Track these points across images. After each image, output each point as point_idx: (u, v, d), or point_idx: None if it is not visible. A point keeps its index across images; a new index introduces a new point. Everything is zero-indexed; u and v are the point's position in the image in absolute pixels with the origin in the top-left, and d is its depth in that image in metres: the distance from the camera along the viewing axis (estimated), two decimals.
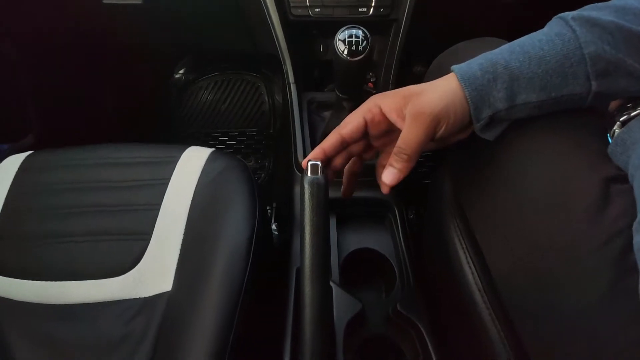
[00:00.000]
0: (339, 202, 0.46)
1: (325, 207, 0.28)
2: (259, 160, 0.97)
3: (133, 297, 0.34)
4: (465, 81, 0.26)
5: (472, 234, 0.32)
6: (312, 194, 0.27)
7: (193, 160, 0.43)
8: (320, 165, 0.28)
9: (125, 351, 0.31)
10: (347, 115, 0.44)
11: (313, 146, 0.49)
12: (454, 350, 0.33)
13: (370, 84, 0.57)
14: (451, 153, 0.36)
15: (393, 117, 0.28)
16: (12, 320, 0.34)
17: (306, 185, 0.27)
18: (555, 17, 0.27)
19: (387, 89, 0.54)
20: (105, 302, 0.34)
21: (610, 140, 0.25)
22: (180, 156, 0.44)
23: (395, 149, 0.28)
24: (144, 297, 0.34)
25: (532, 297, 0.25)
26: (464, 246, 0.33)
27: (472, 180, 0.32)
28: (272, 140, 1.03)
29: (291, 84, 0.53)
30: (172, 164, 0.43)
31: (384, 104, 0.29)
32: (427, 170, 0.83)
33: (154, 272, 0.35)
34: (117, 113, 0.92)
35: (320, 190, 0.28)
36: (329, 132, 0.47)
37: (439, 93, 0.27)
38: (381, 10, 0.51)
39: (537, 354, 0.25)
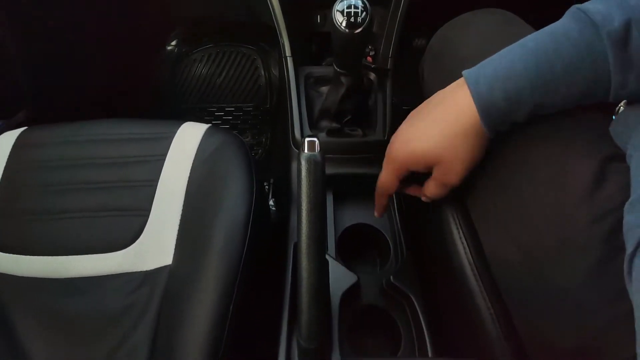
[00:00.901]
0: (336, 179, 0.46)
1: (322, 183, 0.28)
2: (255, 136, 0.96)
3: (135, 270, 0.35)
4: (488, 114, 0.26)
5: (466, 210, 0.33)
6: (309, 171, 0.28)
7: (189, 137, 0.43)
8: (316, 141, 0.28)
9: (129, 322, 0.32)
10: (345, 91, 0.43)
11: (310, 122, 0.49)
12: (444, 322, 0.34)
13: (369, 58, 0.56)
14: None
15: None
16: (15, 295, 0.35)
17: (303, 162, 0.28)
18: (584, 13, 0.24)
19: (386, 64, 0.53)
20: (107, 275, 0.35)
21: (613, 118, 0.25)
22: (175, 132, 0.43)
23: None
24: (146, 271, 0.35)
25: (521, 272, 0.26)
26: (457, 222, 0.34)
27: None
28: (268, 115, 1.01)
29: (288, 58, 0.52)
30: (167, 140, 0.43)
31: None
32: None
33: (154, 247, 0.36)
34: (109, 88, 0.90)
35: (317, 167, 0.28)
36: (327, 108, 0.47)
37: (432, 142, 0.28)
38: None
39: (524, 328, 0.26)
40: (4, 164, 0.42)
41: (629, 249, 0.19)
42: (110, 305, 0.33)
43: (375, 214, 0.38)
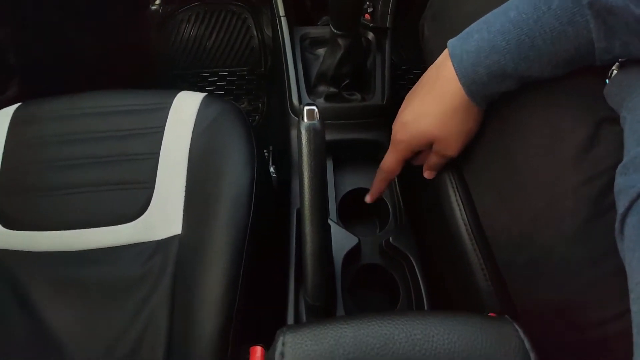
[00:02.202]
0: (336, 144, 0.46)
1: (322, 151, 0.29)
2: (252, 102, 0.94)
3: (147, 240, 0.37)
4: (472, 90, 0.27)
5: (462, 175, 0.34)
6: (309, 140, 0.28)
7: (186, 107, 0.42)
8: (316, 110, 0.28)
9: (147, 287, 0.34)
10: (343, 54, 0.42)
11: (308, 88, 0.48)
12: (439, 278, 0.37)
13: (367, 15, 0.53)
14: None
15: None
16: (32, 270, 0.37)
17: (303, 131, 0.28)
18: None
19: (385, 22, 0.51)
20: (121, 245, 0.37)
21: (607, 82, 0.25)
22: (171, 102, 0.43)
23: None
24: (157, 240, 0.37)
25: (512, 231, 0.27)
26: (454, 185, 0.35)
27: None
28: (264, 79, 0.98)
29: (281, 18, 0.49)
30: (164, 110, 0.42)
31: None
32: None
33: (163, 218, 0.37)
34: (97, 56, 0.86)
35: (317, 135, 0.28)
36: (324, 72, 0.46)
37: (428, 121, 0.29)
38: None
39: (512, 283, 0.28)
40: (3, 142, 0.42)
41: (621, 209, 0.20)
42: (127, 272, 0.35)
43: (368, 198, 0.39)
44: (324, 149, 0.29)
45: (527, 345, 0.15)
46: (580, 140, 0.24)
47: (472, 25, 0.27)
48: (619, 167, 0.21)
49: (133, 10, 0.96)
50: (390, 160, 0.35)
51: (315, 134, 0.28)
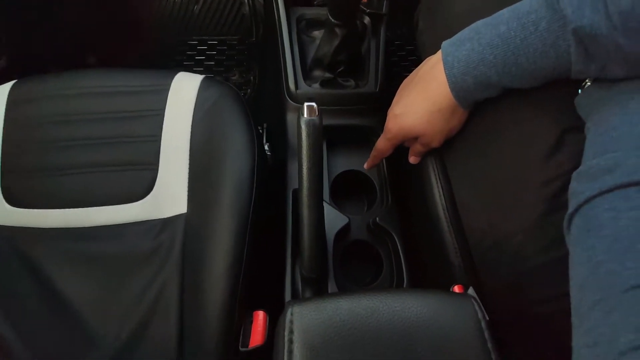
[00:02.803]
0: (330, 129, 0.49)
1: (320, 144, 0.32)
2: (243, 74, 0.93)
3: (154, 218, 0.40)
4: (460, 96, 0.30)
5: (443, 163, 0.38)
6: (308, 134, 0.31)
7: (185, 90, 0.44)
8: (315, 106, 0.31)
9: (157, 261, 0.38)
10: (339, 42, 0.43)
11: (304, 72, 0.49)
12: (418, 253, 0.42)
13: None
14: None
15: None
16: (45, 245, 0.39)
17: (303, 126, 0.30)
18: (554, 1, 0.25)
19: (381, 7, 0.51)
20: (130, 222, 0.39)
21: (579, 92, 0.29)
22: (170, 84, 0.44)
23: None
24: (164, 218, 0.40)
25: (482, 218, 0.32)
26: (436, 172, 0.39)
27: None
28: (255, 49, 0.96)
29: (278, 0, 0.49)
30: (163, 92, 0.43)
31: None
32: None
33: (168, 197, 0.40)
34: (83, 24, 0.82)
35: (316, 130, 0.31)
36: (320, 59, 0.47)
37: (416, 118, 0.32)
38: None
39: (479, 261, 0.33)
40: (2, 121, 0.43)
41: (570, 209, 0.24)
42: (138, 247, 0.38)
43: (366, 165, 0.45)
44: (321, 142, 0.32)
45: (480, 315, 0.20)
46: (547, 145, 0.28)
47: (465, 31, 0.30)
48: (575, 173, 0.25)
49: None
50: (383, 143, 0.39)
51: (315, 129, 0.31)
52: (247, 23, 0.97)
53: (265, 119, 0.74)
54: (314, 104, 0.31)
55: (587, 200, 0.23)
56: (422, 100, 0.32)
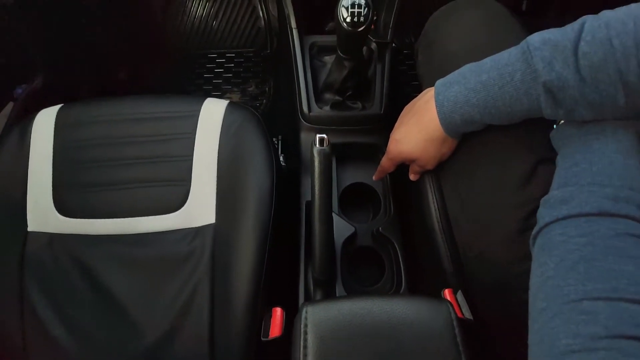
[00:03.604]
0: (339, 146, 0.55)
1: (330, 169, 0.38)
2: (259, 85, 0.99)
3: (188, 226, 0.46)
4: (449, 129, 0.35)
5: (439, 180, 0.43)
6: (320, 162, 0.36)
7: (212, 114, 0.50)
8: (326, 137, 0.37)
9: (192, 263, 0.45)
10: (347, 73, 0.49)
11: (316, 94, 0.55)
12: (416, 261, 0.47)
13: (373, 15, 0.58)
14: None
15: None
16: (95, 249, 0.46)
17: (316, 155, 0.36)
18: (531, 54, 0.29)
19: (386, 36, 0.56)
20: (167, 230, 0.46)
21: (555, 127, 0.33)
22: (200, 110, 0.50)
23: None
24: (196, 227, 0.46)
25: (469, 232, 0.37)
26: (432, 189, 0.44)
27: None
28: (269, 62, 1.02)
29: (293, 30, 0.55)
30: (194, 117, 0.50)
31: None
32: None
33: (199, 209, 0.47)
34: (111, 41, 0.89)
35: (327, 157, 0.37)
36: (330, 84, 0.53)
37: (412, 145, 0.38)
38: None
39: (466, 267, 0.38)
40: (52, 143, 0.49)
41: (535, 230, 0.29)
42: (174, 252, 0.45)
43: (374, 177, 0.52)
44: (330, 167, 0.38)
45: (453, 316, 0.26)
46: (522, 173, 0.33)
47: (454, 75, 0.35)
48: (542, 199, 0.30)
49: None
50: (386, 162, 0.46)
51: (325, 157, 0.36)
52: (262, 36, 1.03)
53: (279, 130, 0.80)
54: (324, 135, 0.36)
55: (546, 225, 0.28)
56: (418, 131, 0.38)
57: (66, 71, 0.79)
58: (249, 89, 0.99)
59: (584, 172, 0.28)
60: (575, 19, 0.30)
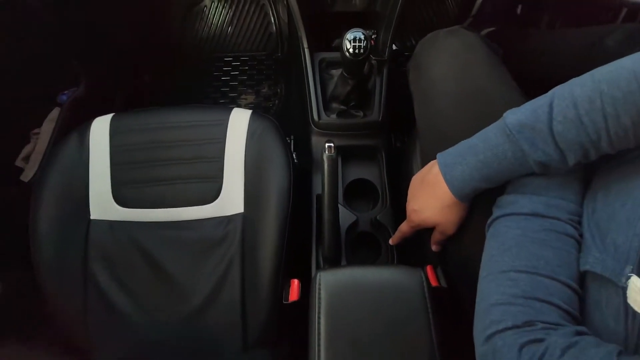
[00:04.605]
0: (344, 148, 0.65)
1: (337, 169, 0.48)
2: (271, 87, 1.09)
3: (222, 215, 0.57)
4: (460, 197, 0.41)
5: None
6: (329, 165, 0.47)
7: (239, 122, 0.60)
8: (333, 145, 0.47)
9: (226, 244, 0.56)
10: (350, 88, 0.58)
11: (324, 103, 0.65)
12: (406, 244, 0.58)
13: (371, 42, 0.67)
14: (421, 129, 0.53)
15: None
16: (148, 232, 0.57)
17: (325, 160, 0.47)
18: (520, 150, 0.35)
19: (385, 50, 0.65)
20: (206, 218, 0.57)
21: None
22: (228, 119, 0.60)
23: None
24: (228, 215, 0.57)
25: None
26: None
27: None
28: (281, 64, 1.11)
29: (305, 50, 0.64)
30: (223, 125, 0.60)
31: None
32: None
33: (230, 201, 0.58)
34: (138, 48, 0.99)
35: (334, 162, 0.47)
36: (336, 96, 0.63)
37: (432, 213, 0.43)
38: None
39: (445, 250, 0.48)
40: (108, 146, 0.60)
41: (489, 221, 0.39)
42: (212, 235, 0.56)
43: (391, 242, 0.56)
44: (337, 168, 0.48)
45: (423, 278, 0.37)
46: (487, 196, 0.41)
47: (454, 154, 0.40)
48: (498, 199, 0.39)
49: (163, 2, 1.06)
50: (406, 228, 0.50)
51: (333, 162, 0.47)
52: (274, 40, 1.12)
53: (291, 129, 0.90)
54: (332, 144, 0.47)
55: (496, 218, 0.38)
56: (435, 200, 0.42)
57: (103, 77, 0.89)
58: (262, 91, 1.09)
59: (530, 184, 0.38)
60: (562, 26, 0.36)
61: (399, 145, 0.83)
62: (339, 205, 0.60)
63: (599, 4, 0.77)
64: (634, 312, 0.28)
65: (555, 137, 0.34)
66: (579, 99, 0.33)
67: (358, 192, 0.66)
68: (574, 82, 0.34)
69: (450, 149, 0.41)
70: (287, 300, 0.50)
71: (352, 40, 0.48)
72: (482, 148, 0.38)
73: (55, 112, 0.79)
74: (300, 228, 0.60)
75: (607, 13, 0.77)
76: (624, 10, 0.73)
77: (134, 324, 0.56)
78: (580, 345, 0.27)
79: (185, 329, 0.55)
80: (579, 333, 0.29)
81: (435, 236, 0.47)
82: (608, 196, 0.34)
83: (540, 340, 0.29)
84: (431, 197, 0.43)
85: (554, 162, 0.35)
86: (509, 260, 0.34)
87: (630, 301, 0.28)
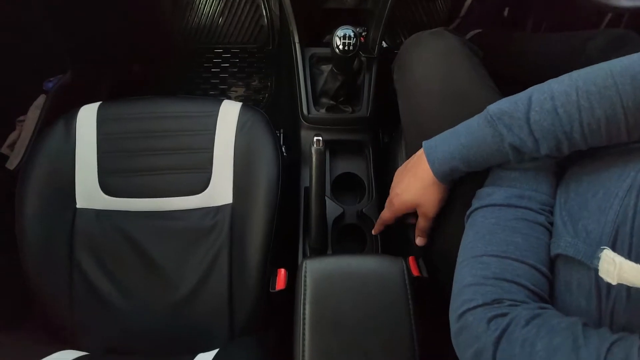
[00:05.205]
0: (332, 142, 0.66)
1: (324, 163, 0.49)
2: (262, 80, 1.09)
3: (211, 205, 0.58)
4: (439, 176, 0.43)
5: None
6: (316, 158, 0.48)
7: (229, 114, 0.61)
8: (321, 139, 0.48)
9: (214, 234, 0.57)
10: (340, 83, 0.60)
11: (314, 98, 0.66)
12: (390, 236, 0.60)
13: (361, 38, 0.69)
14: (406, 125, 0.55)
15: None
16: (135, 222, 0.57)
17: (314, 152, 0.48)
18: (498, 135, 0.38)
19: (373, 51, 0.67)
20: (195, 208, 0.58)
21: None
22: (219, 110, 0.61)
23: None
24: (217, 205, 0.58)
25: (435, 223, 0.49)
26: None
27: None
28: (271, 58, 1.11)
29: (296, 44, 0.65)
30: (213, 116, 0.61)
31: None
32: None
33: (219, 192, 0.58)
34: (124, 36, 0.97)
35: (322, 154, 0.48)
36: (326, 91, 0.64)
37: (413, 193, 0.45)
38: None
39: (427, 242, 0.51)
40: (95, 135, 0.60)
41: (467, 212, 0.41)
42: (200, 225, 0.57)
43: (373, 231, 0.57)
44: (324, 161, 0.49)
45: (404, 267, 0.38)
46: (467, 190, 0.43)
47: (437, 140, 0.43)
48: (477, 191, 0.42)
49: None
50: (388, 215, 0.51)
51: (320, 154, 0.48)
52: (265, 33, 1.12)
53: (281, 122, 0.91)
54: (320, 138, 0.48)
55: (475, 209, 0.40)
56: (415, 181, 0.45)
57: (91, 66, 0.88)
58: (253, 83, 1.09)
59: (506, 177, 0.40)
60: (548, 29, 0.38)
61: (386, 140, 0.85)
62: (326, 198, 0.62)
63: (583, 9, 0.80)
64: (608, 289, 0.30)
65: (531, 125, 0.36)
66: (556, 93, 0.35)
67: (345, 185, 0.67)
68: (553, 80, 0.37)
69: (436, 136, 0.44)
70: (274, 289, 0.52)
71: (341, 37, 0.49)
72: (464, 133, 0.41)
73: (41, 99, 0.78)
74: (288, 219, 0.62)
75: (591, 18, 0.80)
76: (608, 16, 0.76)
77: (121, 312, 0.56)
78: (544, 316, 0.30)
79: (173, 317, 0.56)
80: (543, 308, 0.32)
81: (420, 223, 0.48)
82: (580, 187, 0.37)
83: (507, 314, 0.31)
84: (412, 178, 0.45)
85: (527, 148, 0.37)
86: (482, 246, 0.36)
87: (602, 273, 0.29)
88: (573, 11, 0.80)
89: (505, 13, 1.09)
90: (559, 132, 0.35)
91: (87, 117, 0.61)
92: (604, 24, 0.73)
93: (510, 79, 0.55)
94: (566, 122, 0.35)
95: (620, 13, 0.69)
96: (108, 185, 0.59)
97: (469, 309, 0.33)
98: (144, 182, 0.59)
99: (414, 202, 0.46)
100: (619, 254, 0.29)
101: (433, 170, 0.43)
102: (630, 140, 0.34)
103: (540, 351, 0.27)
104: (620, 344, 0.25)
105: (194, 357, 0.49)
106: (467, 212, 0.41)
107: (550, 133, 0.36)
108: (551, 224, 0.38)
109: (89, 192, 0.59)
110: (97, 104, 0.62)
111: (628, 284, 0.28)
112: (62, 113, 0.62)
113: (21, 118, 0.73)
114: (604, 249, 0.30)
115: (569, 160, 0.41)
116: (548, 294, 0.35)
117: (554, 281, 0.35)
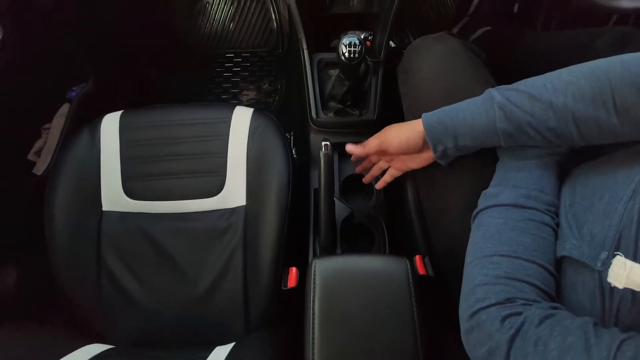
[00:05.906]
0: (341, 144, 0.68)
1: (332, 166, 0.52)
2: (272, 83, 1.12)
3: (225, 207, 0.61)
4: (428, 130, 0.45)
5: (416, 181, 0.57)
6: (325, 162, 0.50)
7: (241, 120, 0.63)
8: (329, 144, 0.50)
9: (229, 234, 0.60)
10: (347, 88, 0.62)
11: (322, 102, 0.68)
12: (397, 235, 0.62)
13: (368, 42, 0.70)
14: None
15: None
16: (155, 223, 0.61)
17: (322, 157, 0.50)
18: (488, 93, 0.41)
19: (380, 51, 0.68)
20: (210, 210, 0.61)
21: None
22: (231, 116, 0.64)
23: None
24: (232, 207, 0.61)
25: (435, 218, 0.51)
26: (412, 185, 0.58)
27: None
28: (281, 61, 1.14)
29: (304, 50, 0.67)
30: (227, 122, 0.64)
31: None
32: None
33: (233, 194, 0.61)
34: (140, 46, 1.01)
35: (330, 159, 0.51)
36: (334, 95, 0.66)
37: (396, 132, 0.49)
38: None
39: (432, 237, 0.52)
40: (118, 142, 0.64)
41: (474, 212, 0.43)
42: (216, 226, 0.60)
43: (364, 179, 0.62)
44: (332, 164, 0.52)
45: (408, 267, 0.40)
46: (470, 177, 0.46)
47: (436, 113, 0.45)
48: (483, 192, 0.43)
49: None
50: (360, 150, 0.55)
51: (328, 158, 0.50)
52: (275, 37, 1.14)
53: (291, 125, 0.93)
54: (328, 142, 0.50)
55: (481, 209, 0.42)
56: (404, 129, 0.47)
57: (111, 74, 0.92)
58: (263, 87, 1.12)
59: (512, 178, 0.42)
60: (558, 27, 0.40)
61: None
62: (335, 199, 0.64)
63: (592, 7, 0.79)
64: (611, 290, 0.31)
65: (520, 92, 0.39)
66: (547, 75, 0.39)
67: (354, 186, 0.69)
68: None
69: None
70: (286, 286, 0.55)
71: (347, 45, 0.51)
72: (464, 106, 0.43)
73: (65, 108, 0.83)
74: (298, 219, 0.64)
75: (600, 16, 0.79)
76: (615, 15, 0.76)
77: (144, 308, 0.60)
78: (557, 317, 0.31)
79: (192, 312, 0.59)
80: (555, 308, 0.33)
81: (380, 163, 0.54)
82: (586, 190, 0.38)
83: (520, 313, 0.32)
84: (402, 126, 0.48)
85: (510, 107, 0.39)
86: (492, 246, 0.38)
87: (610, 278, 0.30)
88: (582, 9, 0.80)
89: (515, 9, 1.08)
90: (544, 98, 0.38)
91: (110, 125, 0.65)
92: (611, 22, 0.73)
93: (517, 75, 0.56)
94: (552, 94, 0.37)
95: (626, 14, 0.68)
96: (131, 189, 0.63)
97: (482, 308, 0.34)
98: (164, 185, 0.63)
99: (394, 145, 0.48)
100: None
101: (423, 121, 0.45)
102: (622, 132, 0.35)
103: (553, 350, 0.28)
104: (630, 342, 0.26)
105: (212, 349, 0.53)
106: (474, 212, 0.43)
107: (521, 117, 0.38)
108: (557, 224, 0.39)
109: (113, 196, 0.63)
110: (119, 112, 0.66)
111: (636, 288, 0.29)
112: (85, 120, 0.66)
113: (46, 126, 0.78)
114: (617, 254, 0.31)
115: (573, 162, 0.42)
116: (556, 292, 0.36)
117: (560, 281, 0.37)
